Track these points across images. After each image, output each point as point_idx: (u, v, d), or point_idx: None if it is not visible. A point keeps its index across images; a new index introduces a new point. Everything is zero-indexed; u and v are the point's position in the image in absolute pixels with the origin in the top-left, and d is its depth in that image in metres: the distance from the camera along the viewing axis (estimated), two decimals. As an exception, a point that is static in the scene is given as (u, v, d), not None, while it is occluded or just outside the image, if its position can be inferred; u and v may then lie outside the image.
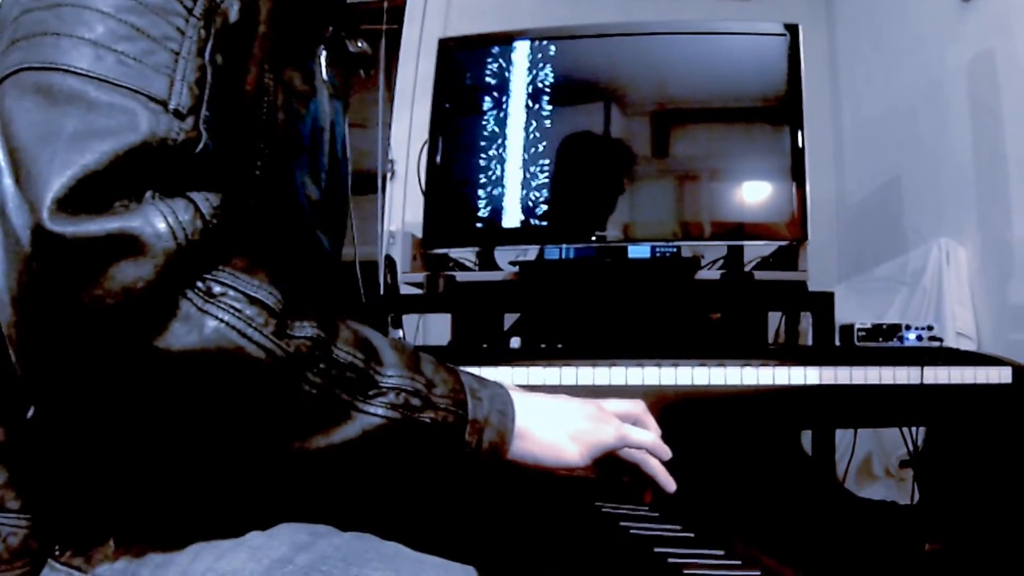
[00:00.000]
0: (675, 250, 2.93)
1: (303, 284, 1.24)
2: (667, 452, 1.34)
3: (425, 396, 1.08)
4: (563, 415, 1.23)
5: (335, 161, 1.37)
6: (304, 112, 1.24)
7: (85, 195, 0.88)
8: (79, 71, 0.92)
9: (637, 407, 1.36)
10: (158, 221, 0.90)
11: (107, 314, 0.88)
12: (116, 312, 0.88)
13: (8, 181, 0.89)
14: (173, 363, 0.91)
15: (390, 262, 3.04)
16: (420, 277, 2.98)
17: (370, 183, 3.23)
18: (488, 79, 3.04)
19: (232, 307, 0.94)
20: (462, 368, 1.19)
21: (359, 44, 1.43)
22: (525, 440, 1.17)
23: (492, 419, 1.14)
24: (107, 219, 0.88)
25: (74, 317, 0.89)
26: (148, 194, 0.92)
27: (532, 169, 2.94)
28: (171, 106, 0.95)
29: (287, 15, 1.16)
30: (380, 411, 1.03)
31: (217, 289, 0.94)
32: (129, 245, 0.88)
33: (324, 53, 1.32)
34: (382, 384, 1.05)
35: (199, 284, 0.93)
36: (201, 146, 0.97)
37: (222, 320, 0.93)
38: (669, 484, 1.33)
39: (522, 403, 1.20)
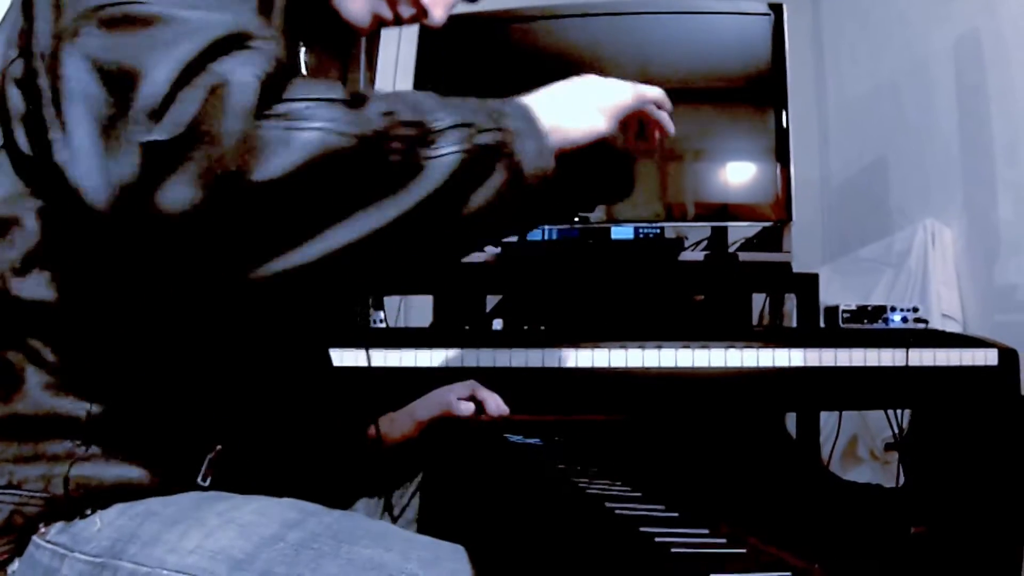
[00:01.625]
0: (658, 231, 2.91)
1: None
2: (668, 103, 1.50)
3: (471, 125, 1.10)
4: (578, 97, 1.32)
5: None
6: None
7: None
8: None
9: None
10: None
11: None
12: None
13: None
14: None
15: (371, 243, 3.02)
16: (401, 258, 2.95)
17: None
18: (470, 59, 3.01)
19: (317, 115, 0.97)
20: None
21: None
22: (558, 132, 1.22)
23: (526, 128, 1.16)
24: None
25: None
26: None
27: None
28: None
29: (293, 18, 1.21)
30: (449, 148, 1.05)
31: (297, 106, 0.97)
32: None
33: (304, 50, 1.37)
34: (438, 127, 1.07)
35: (279, 108, 0.96)
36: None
37: (314, 128, 0.96)
38: (670, 127, 1.51)
39: (540, 103, 1.23)
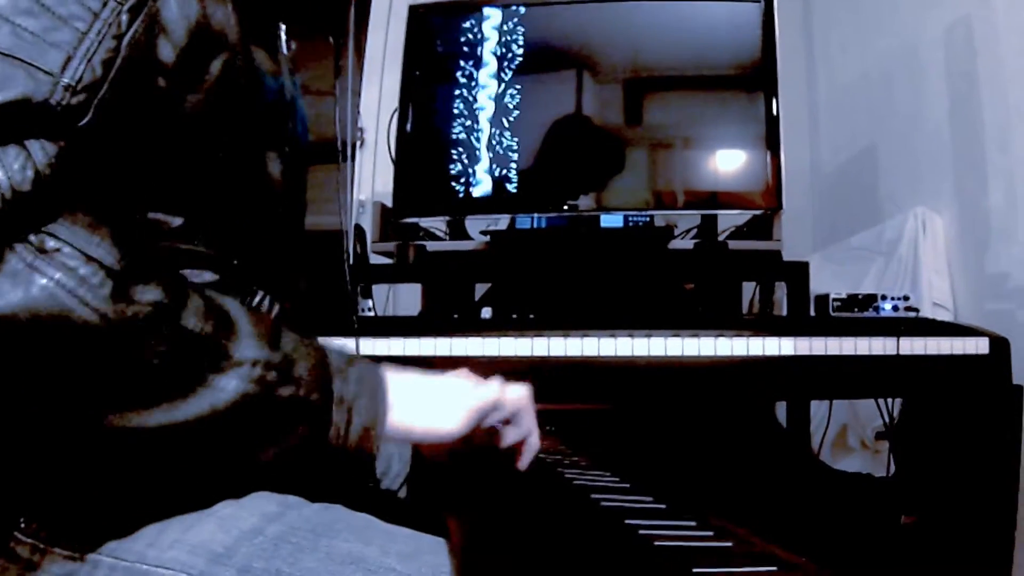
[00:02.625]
0: (648, 219, 2.91)
1: (265, 257, 1.23)
2: (535, 443, 1.29)
3: (284, 371, 1.01)
4: (438, 388, 1.19)
5: (296, 135, 1.36)
6: (270, 88, 1.26)
7: None
8: None
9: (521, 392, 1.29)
10: None
11: None
12: None
13: None
14: None
15: (360, 231, 3.01)
16: (390, 247, 2.95)
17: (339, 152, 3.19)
18: (459, 46, 3.00)
19: (65, 265, 0.87)
20: (335, 343, 1.14)
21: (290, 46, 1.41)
22: (399, 414, 1.12)
23: (361, 400, 1.08)
24: None
25: None
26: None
27: (503, 138, 2.90)
28: (63, 80, 0.92)
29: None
30: (232, 384, 0.97)
31: (51, 244, 0.87)
32: None
33: (284, 28, 1.33)
34: (234, 356, 0.98)
35: (32, 238, 0.87)
36: (86, 121, 0.94)
37: (52, 278, 0.86)
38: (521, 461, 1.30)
39: (396, 380, 1.14)
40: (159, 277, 0.94)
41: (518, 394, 1.26)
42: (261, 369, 0.99)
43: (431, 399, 1.16)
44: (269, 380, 0.99)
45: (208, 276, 1.14)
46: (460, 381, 1.21)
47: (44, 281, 0.85)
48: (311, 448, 1.04)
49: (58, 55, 0.91)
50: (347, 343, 1.78)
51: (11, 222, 0.86)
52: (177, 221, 1.11)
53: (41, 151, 0.89)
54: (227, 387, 0.96)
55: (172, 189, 1.11)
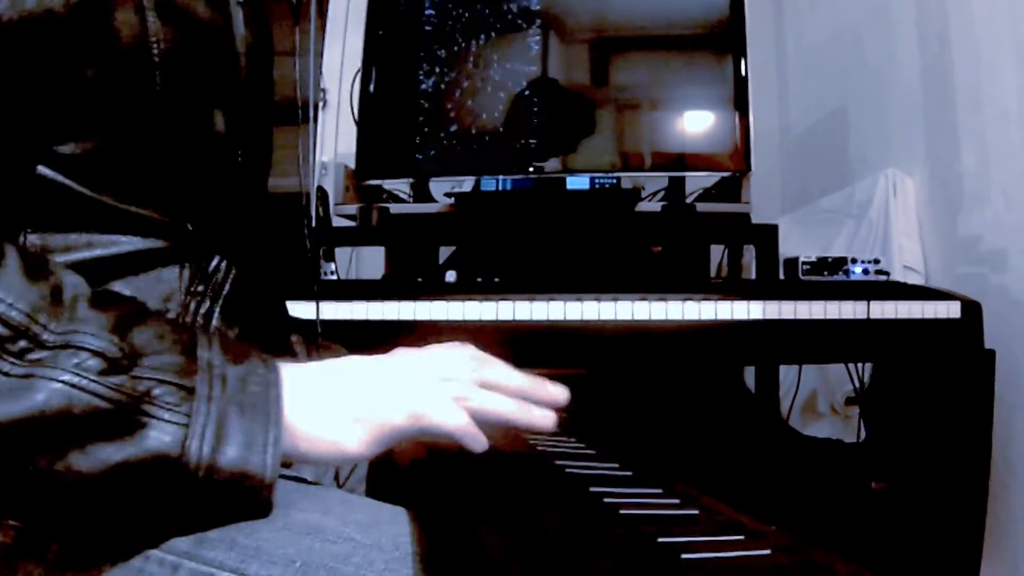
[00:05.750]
0: (615, 181, 2.88)
1: (222, 221, 1.18)
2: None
3: (114, 360, 0.82)
4: (347, 389, 1.01)
5: (254, 90, 1.30)
6: (210, 41, 1.18)
7: None
8: None
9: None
10: None
11: None
12: None
13: None
14: None
15: (322, 193, 2.97)
16: (353, 209, 2.92)
17: (302, 112, 3.16)
18: (423, 5, 2.97)
19: None
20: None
21: None
22: (288, 432, 0.93)
23: (239, 400, 0.89)
24: None
25: None
26: None
27: (468, 99, 2.87)
28: None
29: None
30: (50, 377, 0.78)
31: None
32: None
33: None
34: (45, 340, 0.80)
35: None
36: None
37: None
38: (473, 447, 1.07)
39: (293, 379, 0.96)
40: None
41: (442, 416, 1.03)
42: (88, 356, 0.81)
43: (333, 410, 0.98)
44: (89, 367, 0.81)
45: (160, 244, 1.08)
46: (379, 381, 1.03)
47: None
48: (169, 471, 0.83)
49: None
50: (308, 307, 1.74)
51: None
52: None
53: None
54: (49, 380, 0.78)
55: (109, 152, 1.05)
